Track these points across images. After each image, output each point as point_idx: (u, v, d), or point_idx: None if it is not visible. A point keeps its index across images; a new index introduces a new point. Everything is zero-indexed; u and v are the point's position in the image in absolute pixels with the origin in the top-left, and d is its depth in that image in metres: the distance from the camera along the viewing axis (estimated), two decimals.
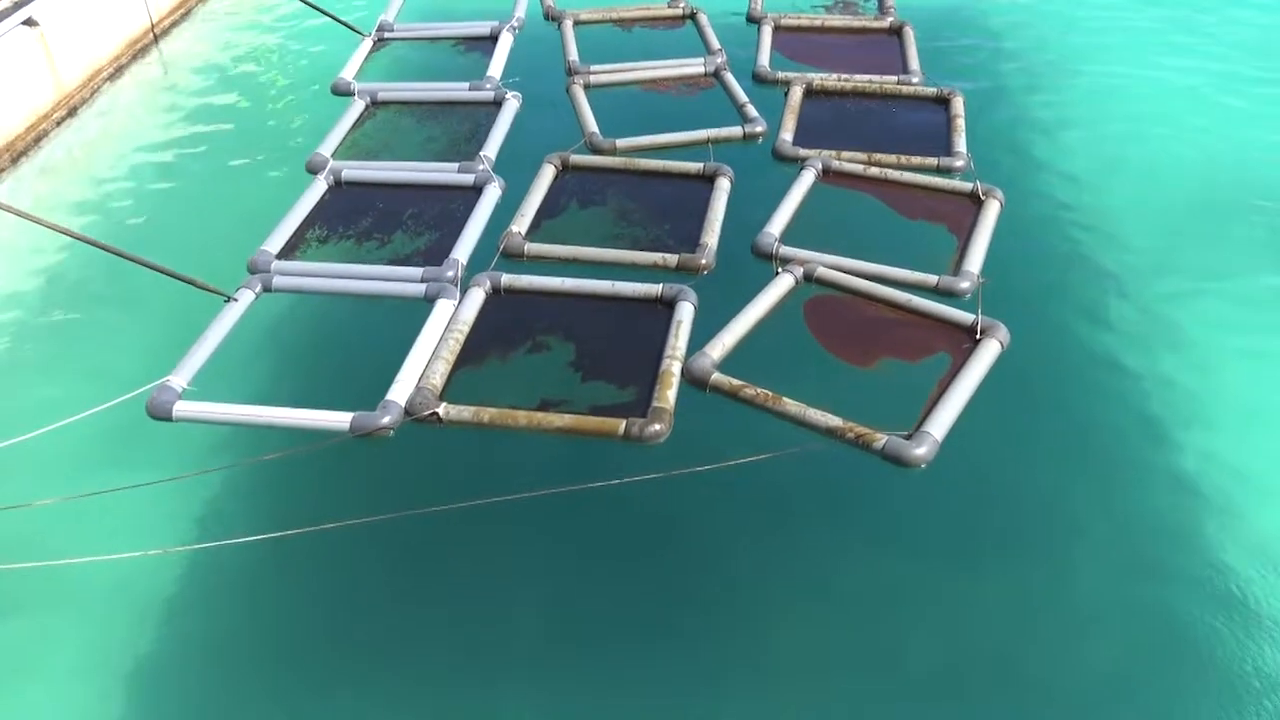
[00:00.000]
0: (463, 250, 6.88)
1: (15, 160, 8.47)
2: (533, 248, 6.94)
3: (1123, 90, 9.25)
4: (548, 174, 7.71)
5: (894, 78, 9.00)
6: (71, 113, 9.19)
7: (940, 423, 5.49)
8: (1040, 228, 7.40)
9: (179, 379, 5.89)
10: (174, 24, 10.86)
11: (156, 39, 10.51)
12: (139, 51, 10.24)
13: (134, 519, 5.27)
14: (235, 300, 6.49)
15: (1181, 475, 5.52)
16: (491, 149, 8.04)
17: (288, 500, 5.46)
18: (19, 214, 6.34)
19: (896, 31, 9.83)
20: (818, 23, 10.11)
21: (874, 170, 7.69)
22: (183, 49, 10.52)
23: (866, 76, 9.00)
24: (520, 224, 7.13)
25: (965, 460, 5.47)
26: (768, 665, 4.72)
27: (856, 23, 10.10)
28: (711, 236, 6.97)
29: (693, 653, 4.75)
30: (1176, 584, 4.97)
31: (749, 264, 6.84)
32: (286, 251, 7.02)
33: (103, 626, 4.91)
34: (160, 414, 5.74)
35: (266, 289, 6.66)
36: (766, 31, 9.81)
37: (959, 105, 8.46)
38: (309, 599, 5.09)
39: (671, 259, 6.78)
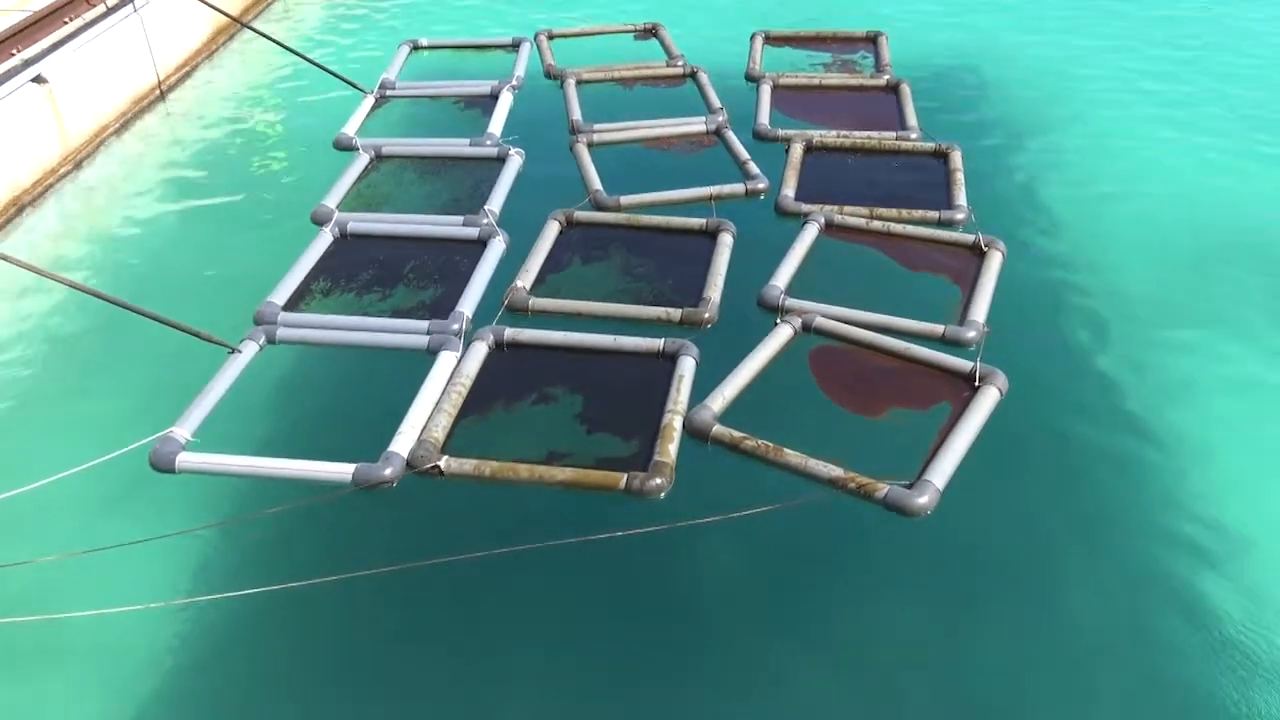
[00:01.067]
0: (468, 303, 6.92)
1: (20, 212, 8.53)
2: (537, 302, 6.98)
3: (1118, 144, 9.37)
4: (552, 230, 7.77)
5: (892, 133, 9.11)
6: (78, 166, 9.28)
7: (941, 471, 5.50)
8: (1040, 278, 7.45)
9: (182, 430, 5.89)
10: (179, 80, 11.01)
11: (163, 94, 10.64)
12: (145, 107, 10.37)
13: (135, 572, 5.23)
14: (239, 352, 6.51)
15: (1179, 525, 5.51)
16: (496, 203, 8.12)
17: (289, 552, 5.42)
18: (23, 265, 6.38)
19: (894, 89, 9.97)
20: (815, 81, 10.26)
21: (876, 224, 7.76)
22: (188, 105, 10.65)
23: (865, 133, 9.12)
24: (525, 279, 7.18)
25: (967, 508, 5.47)
26: (769, 714, 4.66)
27: (854, 80, 10.25)
28: (714, 291, 7.01)
29: (695, 706, 4.70)
30: (1176, 634, 4.95)
31: (752, 317, 6.88)
32: (293, 303, 7.06)
33: (103, 682, 4.85)
34: (164, 465, 5.73)
35: (270, 341, 6.69)
36: (765, 90, 9.95)
37: (958, 159, 8.57)
38: (310, 651, 5.04)
39: (675, 313, 6.81)
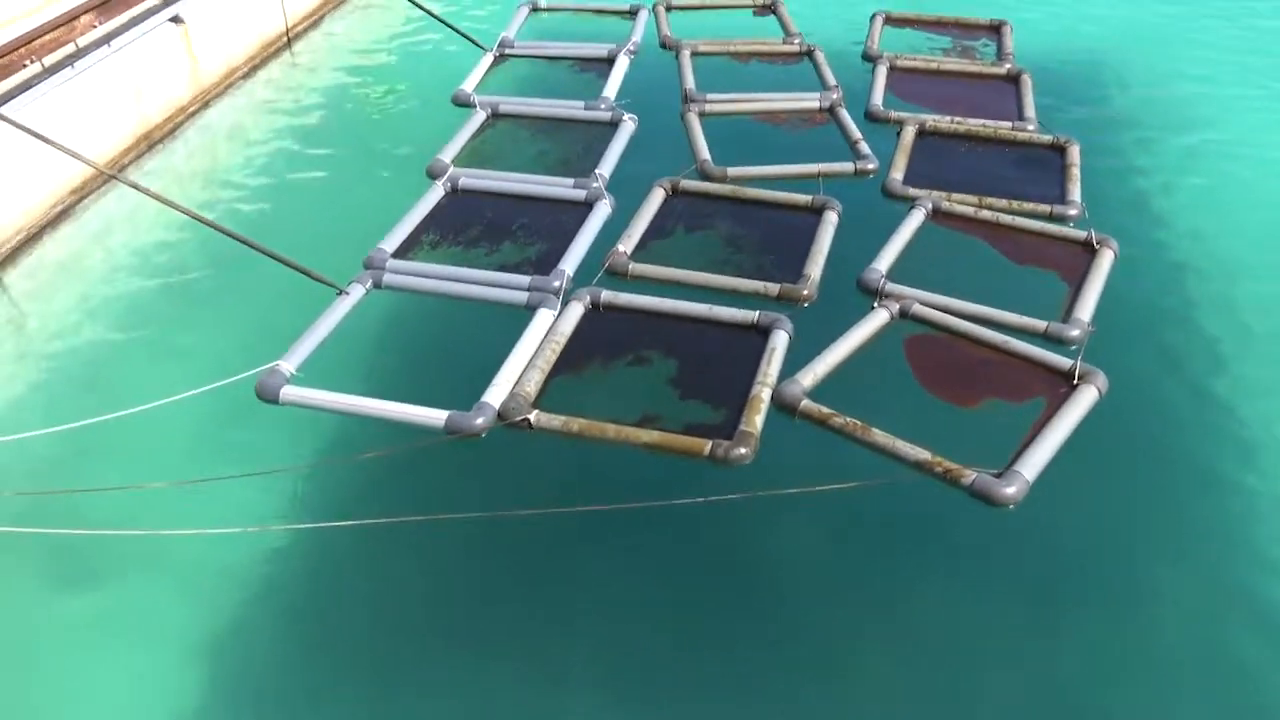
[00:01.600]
0: (570, 262, 7.02)
1: (151, 147, 8.91)
2: (637, 268, 7.04)
3: (1248, 153, 8.99)
4: (657, 196, 7.82)
5: (1009, 123, 8.91)
6: (205, 106, 9.64)
7: (1032, 464, 5.42)
8: (1152, 281, 7.24)
9: (288, 364, 6.12)
10: (307, 29, 11.32)
11: (290, 42, 10.96)
12: (273, 53, 10.70)
13: (234, 497, 5.47)
14: (346, 294, 6.72)
15: (1266, 549, 5.34)
16: (606, 167, 8.20)
17: (379, 491, 5.61)
18: (149, 194, 6.67)
19: (1014, 79, 9.74)
20: (934, 65, 10.07)
21: (985, 214, 7.63)
22: (313, 54, 10.95)
23: (981, 120, 8.94)
24: (627, 244, 7.24)
25: (1055, 504, 5.39)
26: (836, 694, 4.69)
27: (973, 67, 10.03)
28: (815, 268, 6.98)
29: (761, 676, 4.75)
30: (1254, 657, 4.83)
31: (850, 299, 6.84)
32: (402, 251, 7.25)
33: (196, 596, 5.11)
34: (268, 396, 5.97)
35: (377, 285, 6.89)
36: (881, 71, 9.82)
37: (1075, 154, 8.35)
38: (388, 588, 5.22)
39: (773, 288, 6.81)
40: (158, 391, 5.92)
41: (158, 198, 6.72)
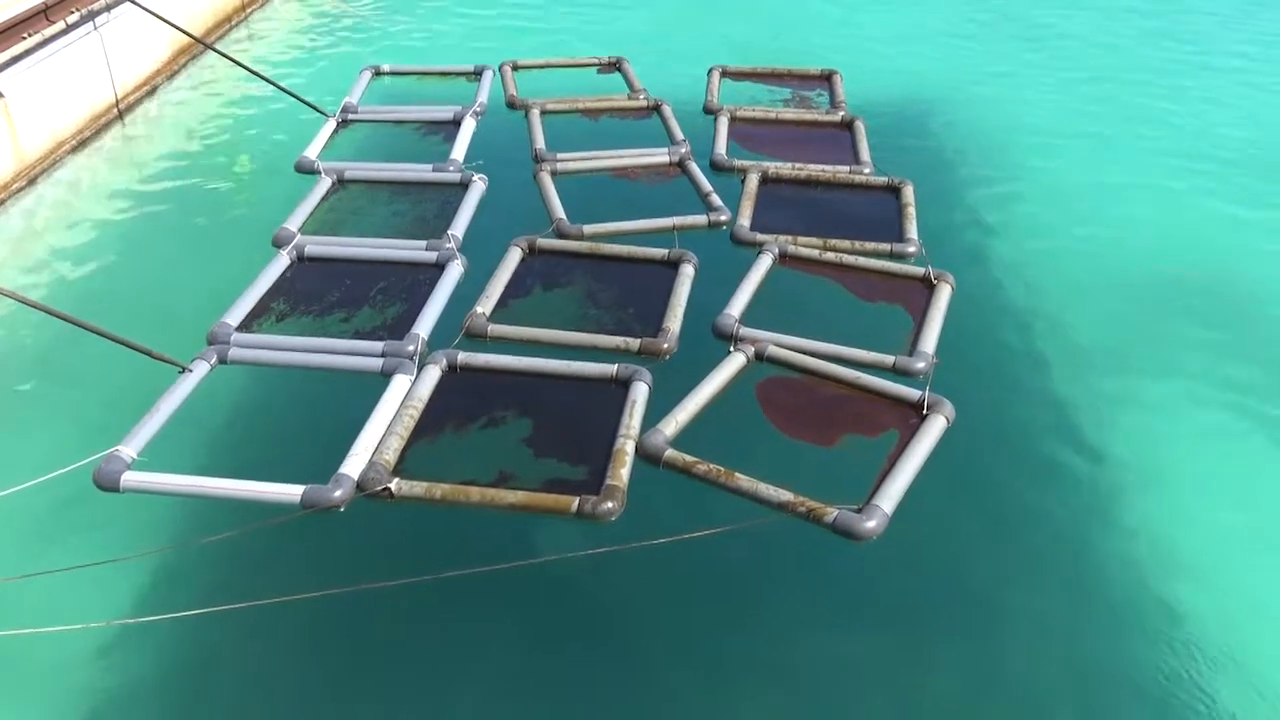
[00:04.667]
0: (424, 325, 6.93)
1: None
2: (496, 329, 7.00)
3: (1069, 184, 9.61)
4: (514, 256, 7.81)
5: (846, 167, 9.27)
6: (32, 183, 9.20)
7: (889, 496, 5.58)
8: (989, 310, 7.63)
9: (129, 449, 5.83)
10: (139, 100, 10.96)
11: (121, 114, 10.59)
12: (103, 125, 10.31)
13: (76, 591, 5.16)
14: (190, 371, 6.47)
15: (1120, 555, 5.64)
16: (459, 229, 8.15)
17: (235, 575, 5.37)
18: None
19: (848, 125, 10.15)
20: (771, 115, 10.42)
21: (829, 255, 7.89)
22: (147, 124, 10.61)
23: (820, 166, 9.27)
24: (485, 305, 7.19)
25: (914, 534, 5.56)
26: None
27: (809, 116, 10.42)
28: (674, 322, 7.07)
29: None
30: (1119, 659, 5.06)
31: (708, 345, 6.94)
32: (247, 324, 7.02)
33: (40, 700, 4.78)
34: (108, 484, 5.66)
35: (223, 360, 6.65)
36: (723, 122, 10.10)
37: (909, 194, 8.74)
38: (250, 675, 4.99)
39: (634, 343, 6.85)
40: None
41: None
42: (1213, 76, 12.09)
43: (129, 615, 5.13)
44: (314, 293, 7.44)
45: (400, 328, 6.96)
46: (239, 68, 10.54)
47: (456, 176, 8.97)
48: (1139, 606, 5.33)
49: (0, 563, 5.31)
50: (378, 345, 6.72)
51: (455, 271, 7.60)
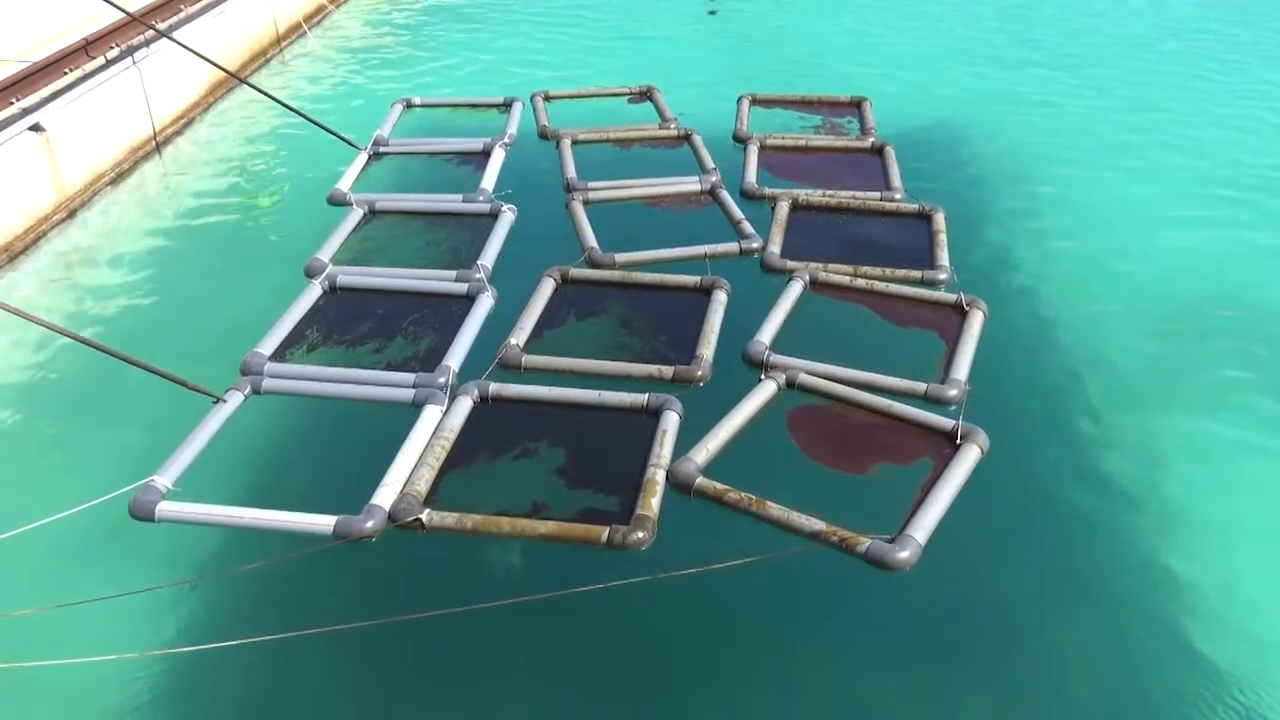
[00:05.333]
0: (454, 358, 6.95)
1: (13, 260, 8.59)
2: (530, 359, 7.01)
3: (1101, 210, 9.52)
4: (547, 287, 7.82)
5: (877, 194, 9.24)
6: (71, 215, 9.36)
7: (923, 526, 5.51)
8: (1023, 337, 7.55)
9: (163, 479, 5.87)
10: (176, 132, 11.15)
11: (158, 147, 10.77)
12: (141, 158, 10.49)
13: (110, 621, 5.19)
14: (224, 401, 6.52)
15: (1154, 588, 5.55)
16: (488, 259, 8.19)
17: (268, 605, 5.40)
18: (12, 310, 6.40)
19: (878, 151, 10.13)
20: (802, 142, 10.42)
21: (860, 282, 7.86)
22: (183, 157, 10.78)
23: (850, 192, 9.25)
24: (519, 336, 7.20)
25: (948, 564, 5.48)
26: None
27: (839, 142, 10.42)
28: (707, 349, 7.05)
29: None
30: (1157, 700, 4.96)
31: (738, 373, 6.91)
32: (280, 354, 7.08)
33: None
34: (143, 514, 5.71)
35: (256, 391, 6.70)
36: (753, 150, 10.11)
37: (940, 220, 8.69)
38: (285, 703, 5.01)
39: (667, 371, 6.84)
40: (25, 515, 5.61)
41: (18, 313, 6.45)
42: (1248, 105, 11.94)
43: (162, 645, 5.16)
44: (346, 323, 7.49)
45: (431, 359, 6.98)
46: (273, 102, 10.69)
47: (486, 207, 9.03)
48: (1178, 648, 5.20)
49: (37, 591, 5.36)
50: (409, 377, 6.74)
51: (485, 303, 7.62)
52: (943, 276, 7.98)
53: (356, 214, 8.96)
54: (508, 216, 8.88)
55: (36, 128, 8.93)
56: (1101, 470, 6.33)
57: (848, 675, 5.07)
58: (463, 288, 7.80)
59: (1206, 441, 6.60)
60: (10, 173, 8.64)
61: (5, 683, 4.88)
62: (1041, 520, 5.99)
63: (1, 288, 8.19)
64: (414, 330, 7.40)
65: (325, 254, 8.28)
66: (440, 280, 7.95)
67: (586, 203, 9.16)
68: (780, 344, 7.11)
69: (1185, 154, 10.67)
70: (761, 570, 5.32)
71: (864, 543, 5.40)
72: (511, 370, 6.97)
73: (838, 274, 7.96)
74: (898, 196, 9.22)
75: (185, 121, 11.38)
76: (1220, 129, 11.27)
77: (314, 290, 7.81)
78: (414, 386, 6.66)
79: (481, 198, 9.18)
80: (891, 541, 5.41)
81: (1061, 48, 13.96)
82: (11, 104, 8.70)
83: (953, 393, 6.61)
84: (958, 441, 6.13)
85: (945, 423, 6.26)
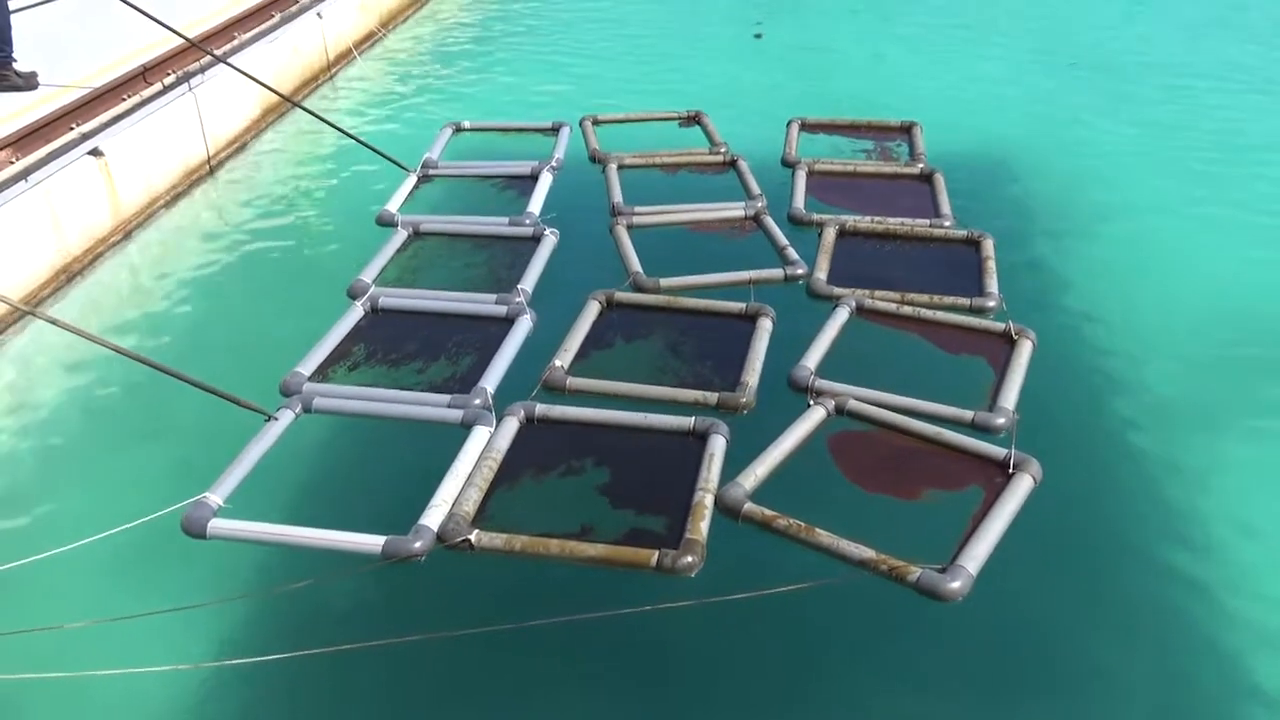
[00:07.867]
0: (491, 380, 6.96)
1: (70, 280, 8.76)
2: (575, 382, 7.02)
3: (1155, 239, 9.39)
4: (592, 310, 7.85)
5: (926, 220, 9.19)
6: (128, 236, 9.54)
7: (975, 556, 5.42)
8: (1072, 367, 7.45)
9: (215, 496, 5.93)
10: (229, 156, 11.35)
11: (212, 169, 10.96)
12: (195, 181, 10.68)
13: (161, 635, 5.23)
14: (276, 419, 6.58)
15: (1221, 624, 5.42)
16: (529, 282, 8.22)
17: (316, 622, 5.42)
18: (67, 328, 6.52)
19: (928, 177, 10.08)
20: (850, 168, 10.39)
21: (907, 309, 7.80)
22: (238, 179, 10.97)
23: (899, 219, 9.21)
24: (563, 358, 7.22)
25: (1000, 595, 5.39)
26: None
27: (888, 168, 10.38)
28: (752, 376, 7.02)
29: None
30: None
31: (784, 398, 6.87)
32: (320, 374, 7.15)
33: None
34: (195, 531, 5.76)
35: (307, 409, 6.76)
36: (800, 175, 10.10)
37: (989, 247, 8.62)
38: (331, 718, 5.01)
39: (712, 396, 6.81)
40: (78, 531, 5.68)
41: (77, 331, 6.57)
42: None
43: (210, 659, 5.19)
44: (387, 344, 7.54)
45: (469, 380, 7.00)
46: (325, 125, 10.85)
47: (529, 230, 9.08)
48: (1237, 683, 5.08)
49: (89, 603, 5.42)
50: (444, 398, 6.76)
51: (524, 325, 7.64)
52: (991, 304, 7.90)
53: (401, 235, 9.05)
54: (550, 240, 8.92)
55: (96, 152, 9.12)
56: (1158, 502, 6.20)
57: (896, 706, 4.99)
58: (502, 310, 7.83)
59: (1268, 471, 6.47)
60: (70, 196, 8.82)
61: (59, 692, 4.95)
62: (1096, 553, 5.88)
63: (60, 307, 8.35)
64: (456, 351, 7.42)
65: (368, 275, 8.36)
66: (480, 303, 7.99)
67: (631, 227, 9.19)
68: (825, 370, 7.06)
69: (1242, 189, 10.44)
70: (809, 597, 5.25)
71: (915, 572, 5.32)
72: (555, 392, 6.98)
73: (884, 300, 7.91)
74: (947, 223, 9.16)
75: (238, 145, 11.57)
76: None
77: (356, 311, 7.88)
78: (449, 407, 6.67)
79: (527, 221, 9.24)
80: (943, 571, 5.33)
81: (1119, 77, 13.82)
82: (71, 129, 8.89)
83: (1000, 421, 6.53)
84: (1010, 471, 6.05)
85: (998, 451, 6.17)
